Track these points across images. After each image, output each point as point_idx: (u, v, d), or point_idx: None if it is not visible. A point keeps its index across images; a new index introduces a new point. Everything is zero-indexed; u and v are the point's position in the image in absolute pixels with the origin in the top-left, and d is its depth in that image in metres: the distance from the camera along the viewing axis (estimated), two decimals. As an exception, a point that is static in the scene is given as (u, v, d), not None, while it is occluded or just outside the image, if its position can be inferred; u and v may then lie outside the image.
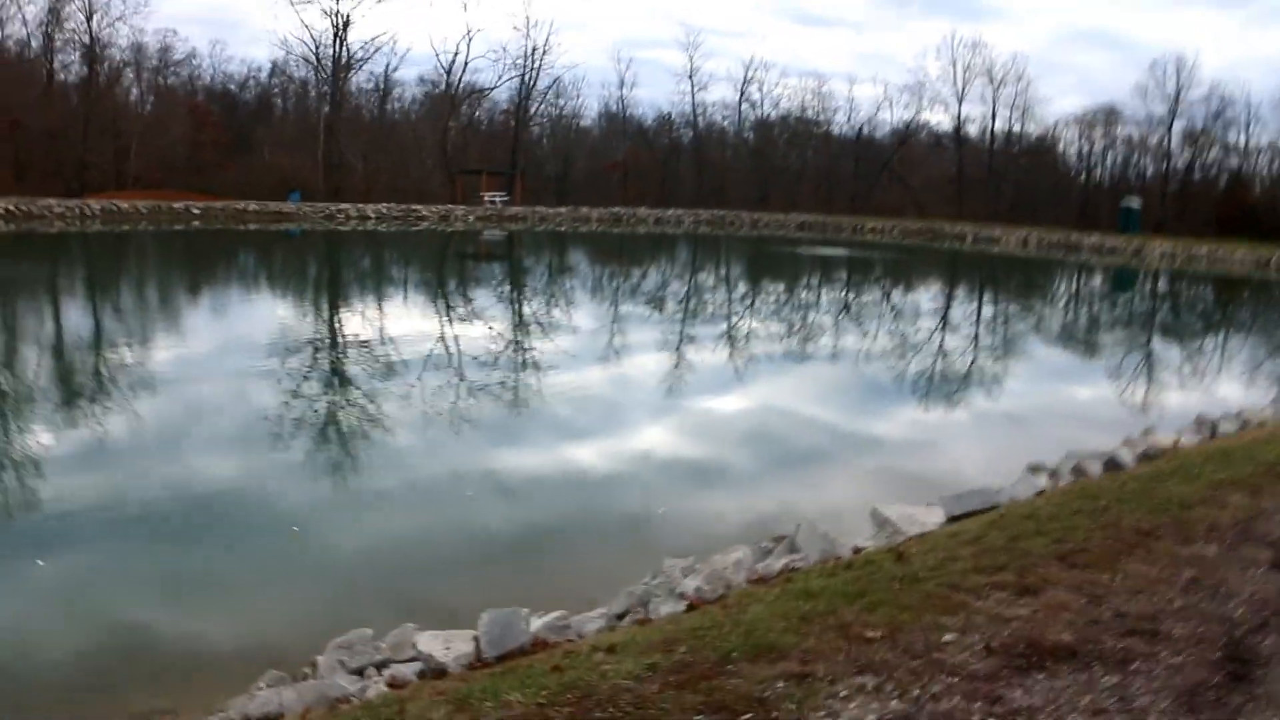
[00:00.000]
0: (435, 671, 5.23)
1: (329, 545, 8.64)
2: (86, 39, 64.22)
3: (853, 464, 12.27)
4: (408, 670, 5.29)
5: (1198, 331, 29.58)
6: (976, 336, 25.39)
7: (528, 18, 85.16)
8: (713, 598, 5.98)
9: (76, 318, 22.74)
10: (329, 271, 36.53)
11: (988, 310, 32.65)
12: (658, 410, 14.92)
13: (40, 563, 7.87)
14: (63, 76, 66.32)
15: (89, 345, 18.95)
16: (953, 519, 7.48)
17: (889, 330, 25.18)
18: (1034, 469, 9.77)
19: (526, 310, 26.92)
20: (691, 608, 5.88)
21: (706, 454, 12.39)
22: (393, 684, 5.11)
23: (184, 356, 17.82)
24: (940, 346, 23.08)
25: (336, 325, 22.84)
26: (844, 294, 34.88)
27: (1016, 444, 13.39)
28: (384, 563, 8.31)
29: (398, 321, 23.19)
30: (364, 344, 19.82)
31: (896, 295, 35.53)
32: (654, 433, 13.36)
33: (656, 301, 29.92)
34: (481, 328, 22.74)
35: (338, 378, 16.60)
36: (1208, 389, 19.09)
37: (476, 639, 5.39)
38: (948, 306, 32.90)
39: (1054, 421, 15.37)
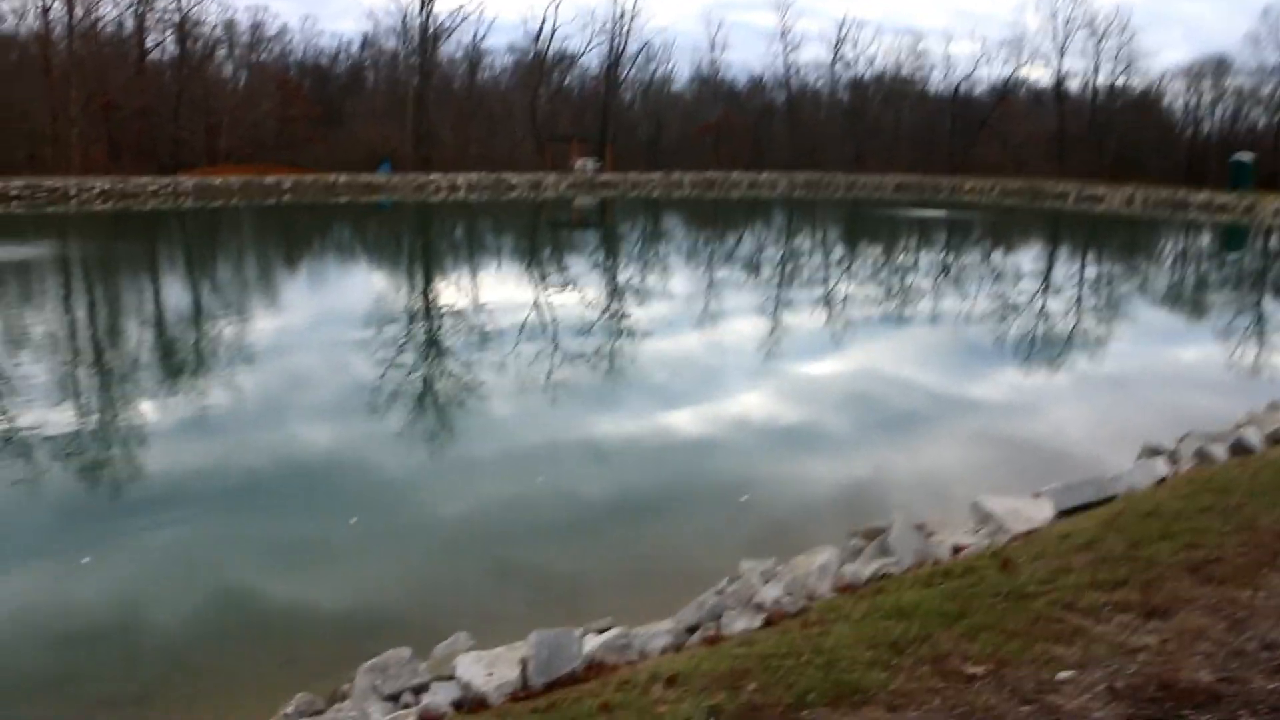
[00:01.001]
0: (474, 701, 4.66)
1: (394, 526, 8.38)
2: (177, 18, 64.77)
3: (953, 437, 11.48)
4: (443, 700, 4.73)
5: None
6: (1080, 299, 24.16)
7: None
8: (793, 610, 5.33)
9: (176, 293, 22.80)
10: (423, 242, 36.40)
11: (1091, 271, 31.16)
12: (749, 378, 14.38)
13: (85, 560, 7.54)
14: (156, 56, 66.97)
15: (189, 320, 18.97)
16: (1063, 513, 6.72)
17: (989, 294, 24.04)
18: (1151, 451, 8.86)
19: (620, 277, 26.40)
20: (769, 622, 5.25)
21: (797, 426, 11.80)
22: (425, 717, 4.57)
23: (284, 328, 17.91)
24: (1042, 310, 21.95)
25: (432, 296, 22.71)
26: (942, 256, 33.64)
27: (1128, 415, 12.55)
28: (441, 549, 8.04)
29: (492, 290, 22.97)
30: (459, 314, 19.76)
31: (996, 257, 34.20)
32: (744, 402, 12.82)
33: (751, 266, 29.15)
34: (575, 295, 22.34)
35: (434, 348, 16.54)
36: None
37: (524, 661, 4.81)
38: (1049, 268, 31.52)
39: (1167, 389, 14.46)
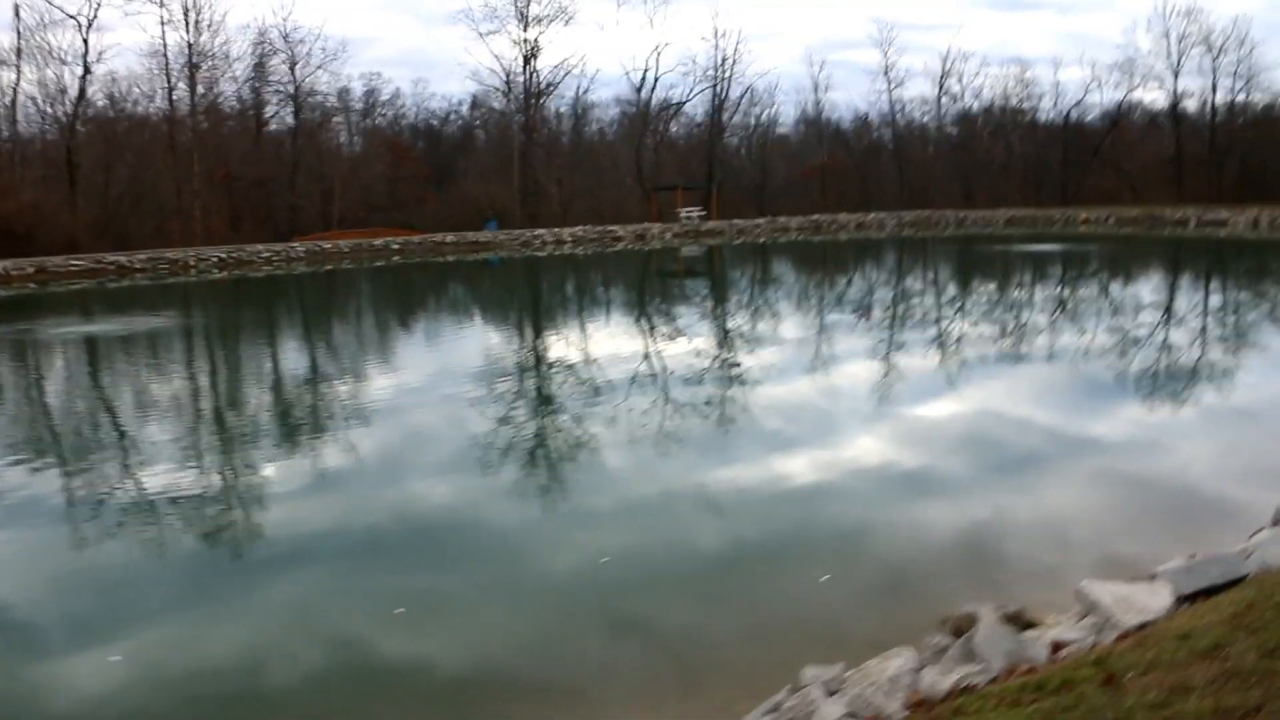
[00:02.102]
0: None
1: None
2: (292, 89, 66.67)
3: (1067, 487, 10.46)
4: None
5: None
6: (1204, 329, 22.58)
7: (715, 28, 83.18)
8: (856, 737, 4.46)
9: (283, 356, 23.06)
10: (531, 296, 36.28)
11: (1216, 300, 29.39)
12: (855, 426, 13.67)
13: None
14: (274, 127, 69.07)
15: (303, 381, 19.24)
16: (1183, 598, 5.71)
17: (1108, 327, 22.60)
18: (1289, 518, 7.71)
19: (728, 324, 25.80)
20: (827, 754, 4.40)
21: (900, 479, 10.99)
22: None
23: (398, 387, 17.88)
24: (1165, 342, 20.51)
25: (542, 350, 22.55)
26: (1058, 291, 32.12)
27: (1257, 462, 11.30)
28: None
29: (602, 343, 22.65)
30: (569, 367, 19.62)
31: (1116, 289, 32.59)
32: (848, 453, 12.11)
33: (861, 308, 28.18)
34: (684, 344, 21.93)
35: (545, 402, 16.45)
36: None
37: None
38: (1171, 299, 29.86)
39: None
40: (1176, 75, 78.80)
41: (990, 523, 9.36)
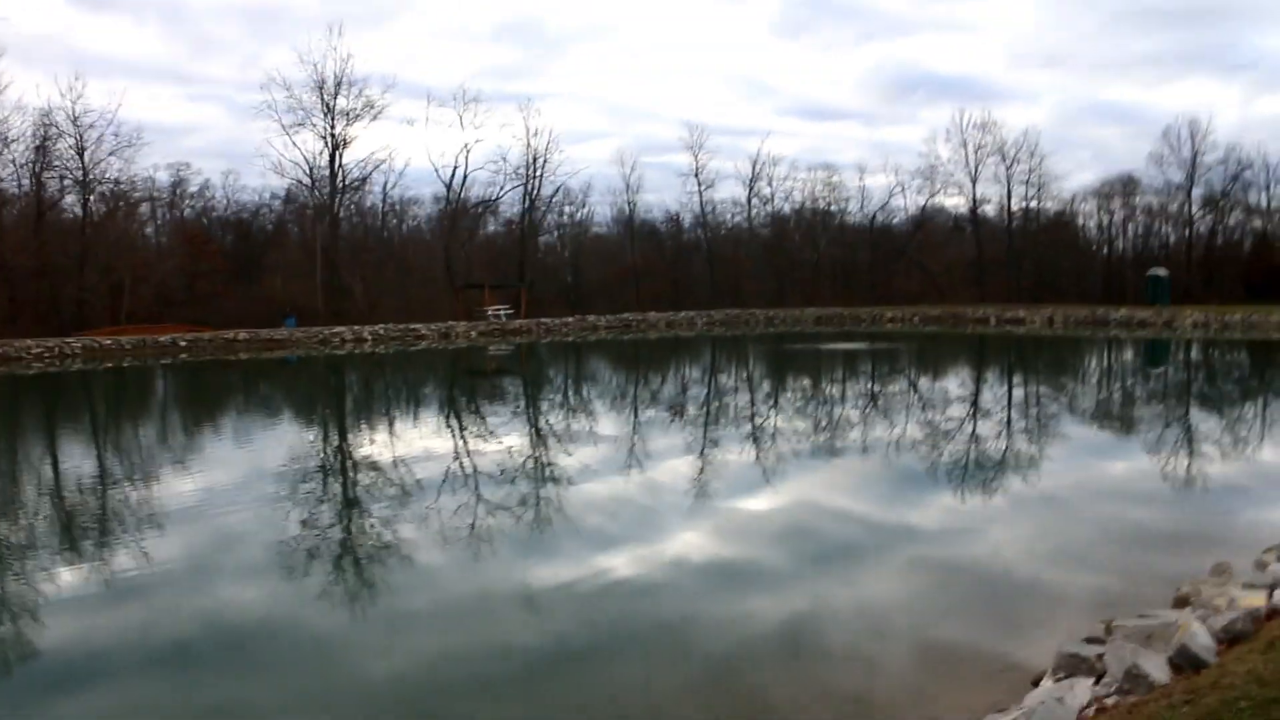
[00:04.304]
0: None
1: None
2: (80, 174, 64.10)
3: (872, 581, 10.63)
4: None
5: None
6: (1009, 421, 23.65)
7: (527, 127, 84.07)
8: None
9: (40, 458, 21.38)
10: (331, 396, 35.25)
11: (1020, 393, 30.90)
12: (664, 523, 13.39)
13: None
14: (59, 215, 66.01)
15: (54, 485, 17.78)
16: None
17: (919, 421, 23.44)
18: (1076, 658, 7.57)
19: (538, 423, 25.48)
20: None
21: (708, 577, 10.89)
22: None
23: (184, 493, 16.58)
24: (973, 434, 21.39)
25: (341, 451, 21.93)
26: (867, 388, 33.21)
27: (1064, 545, 11.81)
28: None
29: (408, 443, 22.02)
30: (374, 467, 19.09)
31: (922, 388, 33.95)
32: (656, 552, 11.90)
33: (672, 407, 28.37)
34: (491, 443, 21.56)
35: (349, 504, 15.97)
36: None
37: None
38: (977, 392, 31.28)
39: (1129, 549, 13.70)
40: (975, 182, 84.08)
41: (808, 613, 9.53)
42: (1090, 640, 7.69)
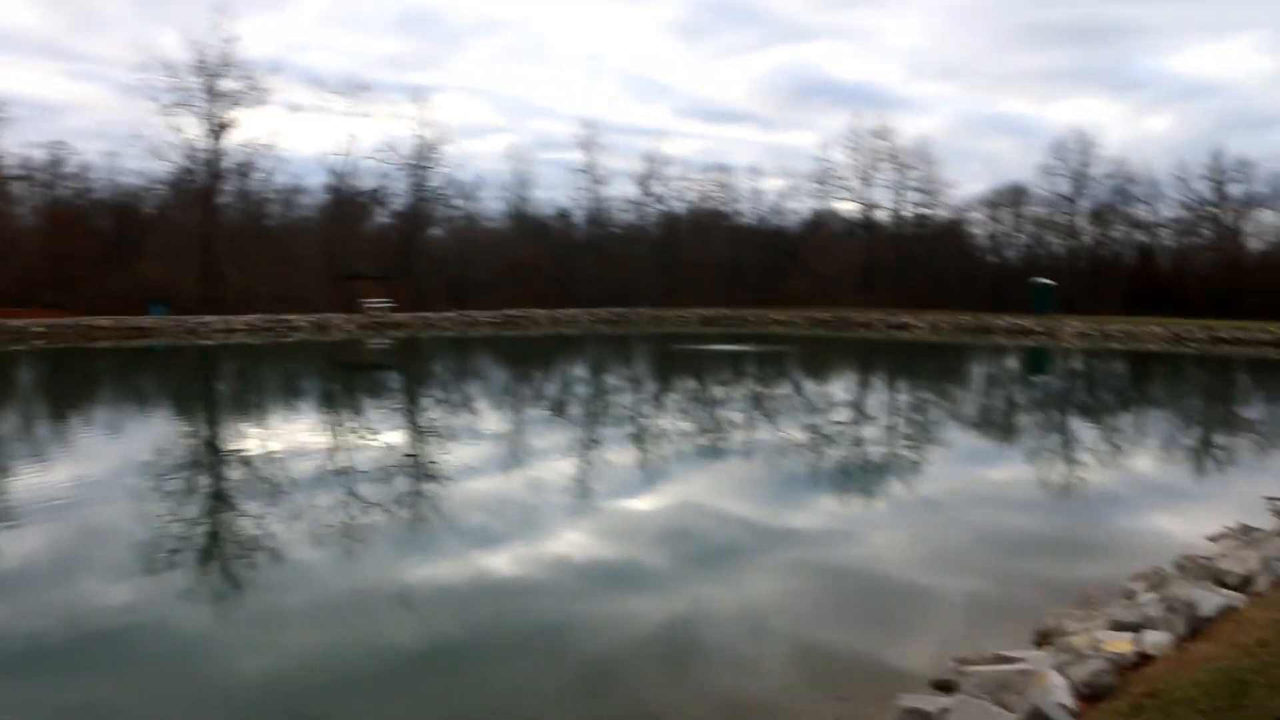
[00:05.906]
0: None
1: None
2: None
3: (754, 584, 10.79)
4: None
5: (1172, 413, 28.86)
6: (891, 430, 24.20)
7: (418, 118, 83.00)
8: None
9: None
10: (198, 389, 34.32)
11: (905, 398, 31.59)
12: (546, 521, 13.37)
13: None
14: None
15: None
16: None
17: (801, 425, 23.82)
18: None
19: (410, 421, 25.20)
20: None
21: (589, 577, 10.98)
22: None
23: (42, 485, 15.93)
24: (853, 443, 21.85)
25: (206, 445, 21.31)
26: (752, 391, 33.61)
27: (941, 549, 12.15)
28: None
29: (280, 438, 21.48)
30: (243, 462, 18.62)
31: (806, 390, 34.50)
32: (537, 551, 11.85)
33: (554, 405, 28.39)
34: (361, 440, 21.17)
35: (216, 500, 15.57)
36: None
37: None
38: (861, 398, 31.91)
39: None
40: (867, 187, 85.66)
41: (687, 615, 9.67)
42: (938, 685, 7.56)
